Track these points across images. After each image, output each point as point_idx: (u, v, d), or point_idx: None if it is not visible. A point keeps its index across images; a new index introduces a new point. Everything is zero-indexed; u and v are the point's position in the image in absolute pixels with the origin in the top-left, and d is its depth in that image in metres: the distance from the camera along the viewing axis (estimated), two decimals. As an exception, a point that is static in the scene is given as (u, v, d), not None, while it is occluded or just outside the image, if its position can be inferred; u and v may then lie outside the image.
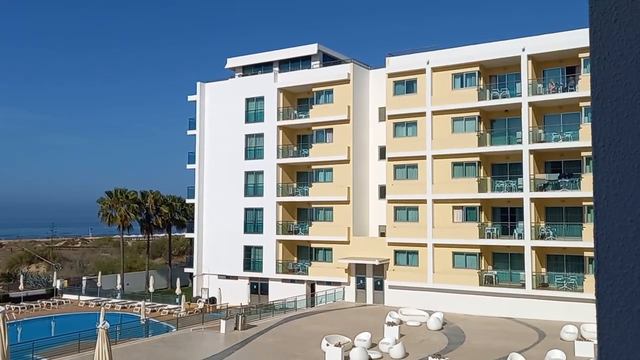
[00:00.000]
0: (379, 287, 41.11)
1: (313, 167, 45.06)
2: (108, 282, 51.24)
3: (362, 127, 44.41)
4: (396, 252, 40.73)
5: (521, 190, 36.72)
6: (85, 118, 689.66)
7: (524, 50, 36.89)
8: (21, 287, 49.94)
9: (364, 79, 45.08)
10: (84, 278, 54.23)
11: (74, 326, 32.88)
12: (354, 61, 44.64)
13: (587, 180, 34.06)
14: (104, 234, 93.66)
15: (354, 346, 25.98)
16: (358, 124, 43.92)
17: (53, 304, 46.43)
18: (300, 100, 47.52)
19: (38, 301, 46.49)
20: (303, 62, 47.55)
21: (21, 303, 45.24)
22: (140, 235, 72.96)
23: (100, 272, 52.52)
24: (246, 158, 47.52)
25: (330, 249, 43.49)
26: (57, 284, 51.05)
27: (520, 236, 36.65)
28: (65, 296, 49.22)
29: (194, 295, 47.68)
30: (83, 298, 48.22)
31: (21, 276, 53.83)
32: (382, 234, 42.68)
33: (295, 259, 45.87)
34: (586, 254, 35.01)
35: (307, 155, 45.39)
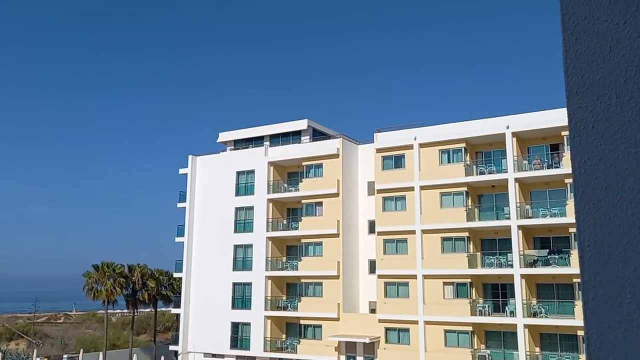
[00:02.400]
0: (369, 366, 39.98)
1: (303, 240, 44.87)
2: (89, 360, 49.47)
3: (351, 200, 44.68)
4: (387, 329, 39.90)
5: (511, 266, 36.60)
6: (71, 188, 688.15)
7: (508, 127, 37.89)
8: (-2, 365, 48.05)
9: (353, 153, 45.82)
10: (64, 356, 52.30)
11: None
12: (343, 136, 45.53)
13: (576, 256, 34.06)
14: (88, 309, 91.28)
15: None
16: (347, 197, 44.22)
17: (30, 383, 44.50)
18: (290, 173, 47.99)
19: (15, 380, 44.57)
20: (293, 136, 48.42)
21: (-3, 382, 43.33)
22: (126, 310, 71.06)
23: (82, 350, 50.75)
24: (236, 231, 47.31)
25: (320, 326, 42.54)
26: (35, 362, 49.13)
27: (512, 313, 36.17)
28: (43, 375, 47.28)
29: (178, 374, 46.01)
30: (62, 377, 46.35)
31: (0, 354, 51.95)
32: (373, 310, 41.96)
33: (284, 336, 44.73)
34: (579, 332, 34.41)
35: (296, 228, 45.30)
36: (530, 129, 37.38)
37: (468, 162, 39.72)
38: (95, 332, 69.25)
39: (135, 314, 61.38)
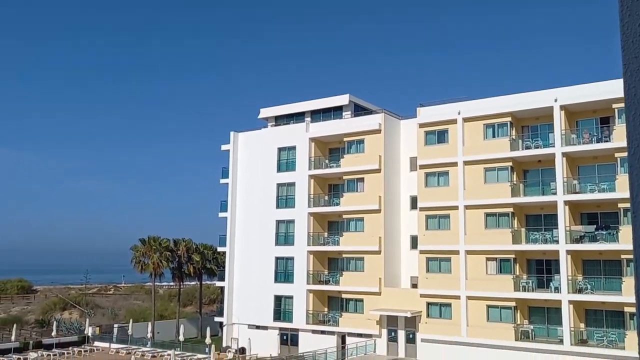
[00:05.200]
0: (411, 340, 40.15)
1: (344, 216, 45.04)
2: (139, 330, 51.24)
3: (393, 176, 44.47)
4: (428, 304, 39.92)
5: (557, 242, 35.92)
6: (119, 165, 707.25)
7: (556, 100, 36.83)
8: (54, 333, 50.38)
9: (395, 128, 45.43)
10: (115, 325, 54.32)
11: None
12: (385, 111, 45.14)
13: (625, 232, 33.18)
14: (136, 281, 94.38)
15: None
16: (389, 173, 44.01)
17: (84, 351, 46.60)
18: (331, 149, 48.00)
19: (70, 348, 46.75)
20: (334, 112, 48.26)
21: (53, 350, 45.50)
22: (172, 283, 73.23)
23: (131, 320, 52.58)
24: (277, 207, 47.82)
25: (362, 300, 42.89)
26: (89, 331, 51.30)
27: (557, 289, 35.61)
28: (96, 343, 49.35)
29: (224, 344, 47.27)
30: (114, 346, 48.27)
31: (54, 323, 54.37)
32: (414, 285, 42.01)
33: (326, 309, 45.32)
34: (627, 309, 33.70)
35: (338, 204, 45.46)
36: (580, 102, 36.24)
37: (514, 137, 38.89)
38: (143, 304, 71.63)
39: (181, 286, 63.13)
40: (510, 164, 38.48)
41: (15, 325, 50.35)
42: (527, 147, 38.44)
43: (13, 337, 47.43)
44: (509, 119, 38.86)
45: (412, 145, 43.74)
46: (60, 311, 70.46)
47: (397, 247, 43.89)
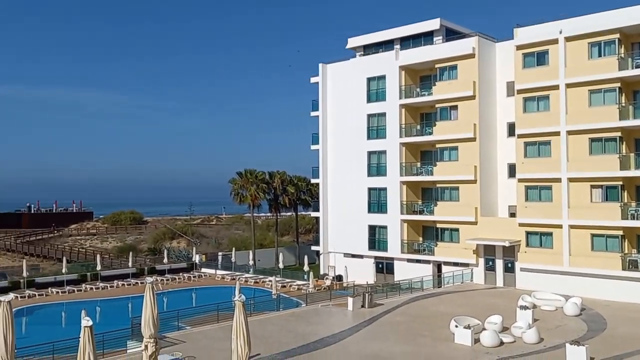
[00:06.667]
0: (509, 269, 39.80)
1: (437, 145, 44.30)
2: (241, 257, 54.30)
3: (488, 103, 42.82)
4: (528, 233, 39.06)
5: (670, 167, 33.53)
6: (213, 102, 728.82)
7: (674, 12, 33.34)
8: (165, 260, 54.55)
9: (490, 52, 43.29)
10: (219, 253, 57.92)
11: (212, 298, 35.29)
12: (479, 34, 42.97)
13: None
14: (236, 212, 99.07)
15: (484, 329, 25.54)
16: (484, 100, 42.40)
17: (193, 277, 50.20)
18: (422, 77, 46.76)
19: (180, 274, 50.48)
20: (425, 38, 46.61)
21: (166, 275, 49.41)
22: (269, 214, 76.37)
23: (234, 249, 55.73)
24: (368, 138, 47.80)
25: (457, 230, 42.71)
26: (196, 258, 55.10)
27: (670, 217, 33.59)
28: (203, 270, 52.95)
29: (321, 272, 49.25)
30: (219, 272, 51.63)
31: (165, 251, 58.75)
32: (512, 215, 41.14)
33: (421, 239, 45.64)
34: None
35: (430, 133, 44.69)
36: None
37: (622, 55, 35.94)
38: (243, 233, 75.56)
39: (278, 217, 65.65)
40: (618, 84, 35.81)
41: (131, 253, 54.94)
42: (638, 66, 35.46)
43: (130, 264, 51.84)
44: (617, 35, 35.81)
45: (509, 69, 41.67)
46: (169, 240, 76.00)
47: (494, 176, 42.83)
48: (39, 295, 41.55)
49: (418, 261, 44.33)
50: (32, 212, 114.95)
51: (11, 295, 14.87)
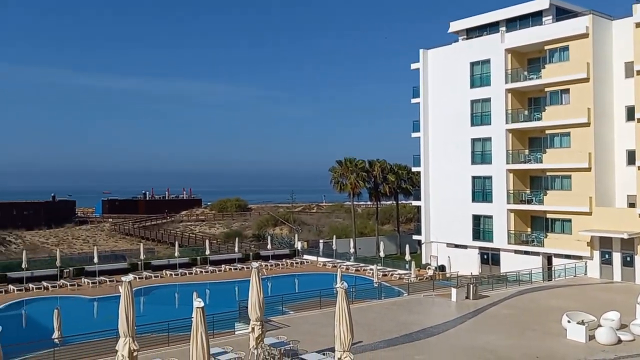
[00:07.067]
0: (628, 263, 37.04)
1: (547, 132, 42.04)
2: (341, 245, 54.83)
3: (604, 85, 39.95)
4: (650, 224, 36.19)
5: None
6: (309, 91, 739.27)
7: None
8: (269, 246, 56.35)
9: (605, 31, 40.30)
10: (320, 241, 58.84)
11: (314, 284, 35.99)
12: (592, 12, 40.11)
13: None
14: (336, 200, 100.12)
15: (599, 325, 24.00)
16: (599, 82, 39.59)
17: (295, 263, 51.46)
18: (530, 60, 44.50)
19: (283, 260, 51.96)
20: (533, 18, 44.28)
21: (269, 261, 51.04)
22: (369, 203, 76.41)
23: (334, 236, 56.37)
24: (472, 124, 46.35)
25: (569, 220, 40.37)
26: (298, 245, 56.40)
27: None
28: (305, 256, 54.12)
29: (423, 262, 48.60)
30: (321, 259, 52.48)
31: (268, 237, 60.63)
32: (632, 205, 38.21)
33: (529, 229, 43.64)
34: None
35: (540, 119, 42.50)
36: None
37: None
38: (344, 221, 76.12)
39: (378, 205, 65.47)
40: None
41: (237, 239, 57.20)
42: None
43: (236, 249, 54.05)
44: None
45: (627, 48, 38.63)
46: (272, 227, 78.27)
47: (610, 163, 39.97)
48: (154, 276, 44.44)
49: (526, 252, 42.46)
50: (147, 199, 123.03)
51: (130, 276, 15.92)
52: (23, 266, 40.92)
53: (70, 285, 40.65)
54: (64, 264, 43.85)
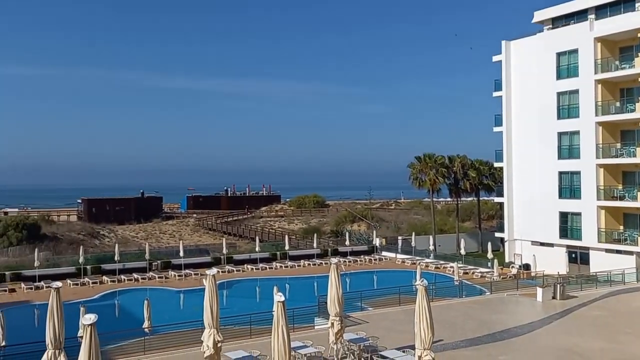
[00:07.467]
0: None
1: (641, 123, 39.57)
2: (421, 242, 54.07)
3: None
4: None
5: None
6: (391, 88, 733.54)
7: None
8: (347, 242, 56.42)
9: None
10: (399, 238, 58.32)
11: (393, 281, 35.73)
12: (693, -6, 37.30)
13: None
14: (414, 197, 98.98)
15: (702, 331, 22.37)
16: (702, 69, 36.78)
17: (374, 259, 51.28)
18: (622, 49, 42.06)
19: (361, 256, 51.91)
20: (625, 4, 41.82)
21: (348, 257, 51.17)
22: (449, 199, 74.92)
23: (413, 233, 55.68)
24: (559, 117, 44.42)
25: (668, 218, 37.87)
26: (376, 241, 56.15)
27: None
28: (383, 253, 53.79)
29: (506, 260, 47.08)
30: (399, 256, 52.02)
31: (346, 233, 60.76)
32: None
33: (622, 227, 41.27)
34: None
35: (633, 110, 40.11)
36: None
37: None
38: (423, 218, 75.10)
39: (459, 202, 64.08)
40: None
41: (315, 235, 57.75)
42: None
43: (315, 245, 54.53)
44: None
45: None
46: (350, 223, 78.42)
47: None
48: (236, 270, 45.73)
49: (618, 252, 40.20)
50: (229, 195, 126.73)
51: (214, 270, 16.48)
52: (115, 259, 43.30)
53: (159, 277, 42.58)
54: (152, 257, 46.03)
